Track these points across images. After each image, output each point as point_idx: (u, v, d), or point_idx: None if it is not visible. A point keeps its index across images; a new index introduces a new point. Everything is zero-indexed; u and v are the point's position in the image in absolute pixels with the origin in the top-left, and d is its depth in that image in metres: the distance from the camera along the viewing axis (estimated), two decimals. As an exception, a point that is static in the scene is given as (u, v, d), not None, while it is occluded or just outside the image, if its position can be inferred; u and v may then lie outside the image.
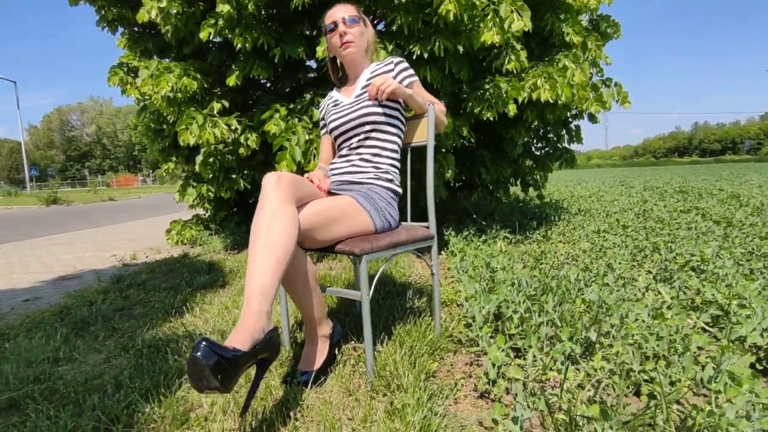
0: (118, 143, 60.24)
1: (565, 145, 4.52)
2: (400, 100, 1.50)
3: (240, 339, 0.88)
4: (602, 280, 2.04)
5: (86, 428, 1.06)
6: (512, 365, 1.24)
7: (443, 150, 3.09)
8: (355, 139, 1.49)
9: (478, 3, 2.42)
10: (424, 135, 1.57)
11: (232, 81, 3.06)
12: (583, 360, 1.30)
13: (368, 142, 1.48)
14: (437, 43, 2.53)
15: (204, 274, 2.88)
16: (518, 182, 4.23)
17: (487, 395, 1.20)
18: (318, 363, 1.30)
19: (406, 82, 1.52)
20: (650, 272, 2.28)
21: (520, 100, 2.96)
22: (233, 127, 3.16)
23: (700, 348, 1.31)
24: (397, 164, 1.53)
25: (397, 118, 1.51)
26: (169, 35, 3.23)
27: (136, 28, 4.06)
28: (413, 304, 1.87)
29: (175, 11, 3.00)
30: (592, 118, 4.30)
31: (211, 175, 3.41)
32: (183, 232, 4.26)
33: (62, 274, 4.03)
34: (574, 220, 4.31)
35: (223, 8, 2.65)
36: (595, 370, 1.20)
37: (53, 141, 59.99)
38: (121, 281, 2.88)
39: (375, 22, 3.27)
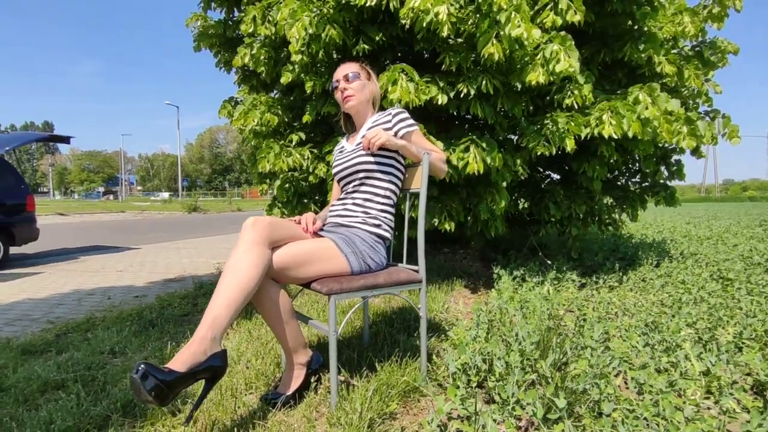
0: (253, 159, 67.91)
1: (665, 181, 4.10)
2: (395, 150, 1.59)
3: (179, 362, 1.06)
4: (635, 340, 1.85)
5: (95, 412, 1.33)
6: (463, 420, 1.24)
7: (496, 183, 3.04)
8: (351, 185, 1.62)
9: (526, 44, 2.40)
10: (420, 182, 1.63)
11: (306, 118, 3.40)
12: (545, 426, 1.23)
13: (362, 188, 1.59)
14: (484, 82, 2.55)
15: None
16: (595, 220, 3.92)
17: (432, 446, 1.21)
18: (291, 388, 1.43)
19: (402, 132, 1.61)
20: (701, 338, 2.00)
21: (582, 135, 2.81)
22: (306, 157, 3.49)
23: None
24: (390, 210, 1.61)
25: (392, 166, 1.60)
26: (263, 75, 3.72)
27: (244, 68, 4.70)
28: (414, 343, 1.90)
29: (263, 57, 3.46)
30: (696, 152, 3.85)
31: (286, 199, 3.78)
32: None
33: (174, 276, 4.75)
34: (667, 266, 3.84)
35: (296, 58, 2.99)
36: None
37: (203, 156, 69.91)
38: (201, 288, 3.34)
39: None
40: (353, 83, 1.65)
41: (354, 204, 1.59)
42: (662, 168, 4.10)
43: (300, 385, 1.44)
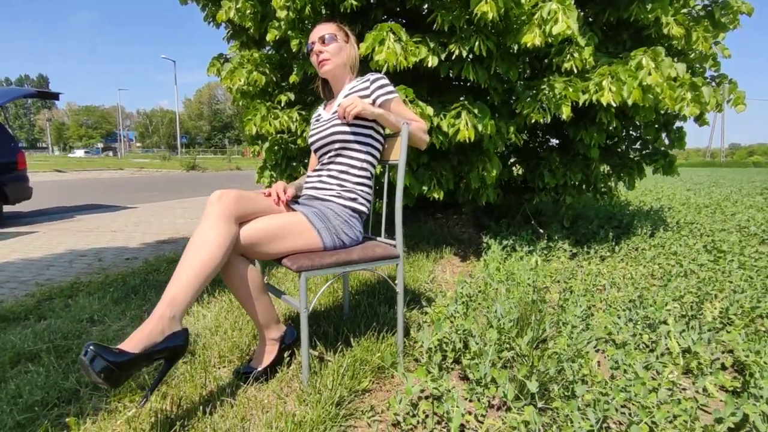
0: (252, 117, 66.87)
1: (666, 148, 3.98)
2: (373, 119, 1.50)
3: (132, 342, 1.02)
4: (614, 316, 1.83)
5: (65, 386, 1.32)
6: (431, 400, 1.22)
7: (488, 151, 2.95)
8: (326, 156, 1.54)
9: (523, 1, 2.24)
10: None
11: (293, 78, 3.26)
12: (515, 407, 1.22)
13: (338, 159, 1.52)
14: (477, 43, 2.41)
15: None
16: (590, 189, 3.84)
17: (399, 423, 1.20)
18: (264, 363, 1.41)
19: (380, 101, 1.51)
20: (685, 315, 1.98)
21: (580, 102, 2.70)
22: (294, 119, 3.38)
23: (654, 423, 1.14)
24: (367, 182, 1.54)
25: (370, 136, 1.52)
26: (251, 31, 3.55)
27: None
28: (394, 316, 1.88)
29: (248, 12, 3.27)
30: (699, 120, 3.72)
31: (275, 162, 3.69)
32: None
33: (167, 237, 4.73)
34: (662, 236, 3.80)
35: (282, 14, 2.83)
36: (518, 424, 1.13)
37: (202, 113, 68.77)
38: (190, 252, 3.31)
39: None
40: (329, 46, 1.54)
41: (329, 176, 1.52)
42: (663, 135, 3.97)
43: (272, 360, 1.42)
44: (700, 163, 38.48)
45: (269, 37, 3.13)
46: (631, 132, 4.10)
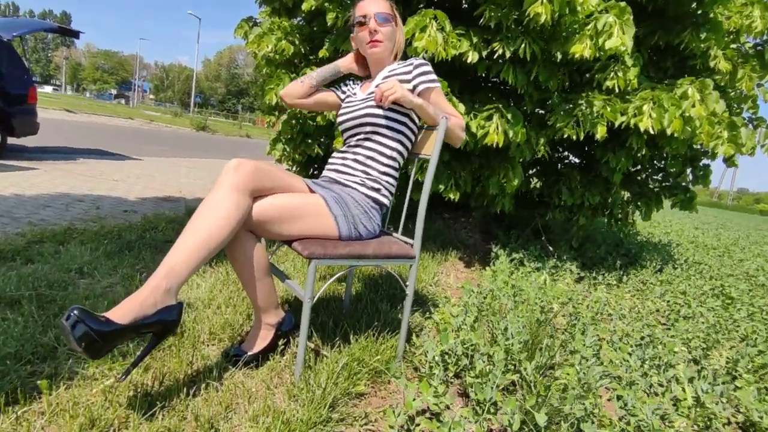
0: (270, 86, 66.31)
1: (688, 184, 3.87)
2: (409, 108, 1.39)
3: (121, 312, 0.93)
4: (625, 353, 1.74)
5: (42, 341, 1.23)
6: (431, 418, 1.14)
7: (513, 159, 2.84)
8: (355, 138, 1.44)
9: (579, 9, 2.12)
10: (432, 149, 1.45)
11: (322, 52, 3.13)
12: (519, 440, 1.14)
13: (366, 144, 1.42)
14: (523, 45, 2.29)
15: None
16: (606, 213, 3.74)
17: (393, 439, 1.12)
18: (256, 348, 1.32)
19: (421, 88, 1.41)
20: (697, 362, 1.89)
21: (616, 123, 2.59)
22: (317, 96, 3.26)
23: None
24: (393, 173, 1.44)
25: (403, 124, 1.42)
26: (286, -3, 3.41)
27: (266, -13, 4.33)
28: (396, 316, 1.79)
29: (287, -24, 3.14)
30: (728, 161, 3.61)
31: (290, 136, 3.58)
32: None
33: (167, 195, 4.64)
34: (670, 272, 3.71)
35: (322, -19, 2.70)
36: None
37: (219, 75, 68.13)
38: (190, 215, 3.22)
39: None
40: (385, 28, 1.42)
41: (355, 161, 1.41)
42: (687, 170, 3.86)
43: (266, 346, 1.33)
44: (706, 203, 38.28)
45: (305, 6, 2.99)
46: (655, 162, 3.99)
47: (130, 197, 4.12)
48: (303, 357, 1.26)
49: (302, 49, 3.38)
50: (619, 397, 1.43)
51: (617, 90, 2.61)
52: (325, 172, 1.48)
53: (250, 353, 1.31)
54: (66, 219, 2.83)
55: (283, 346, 1.38)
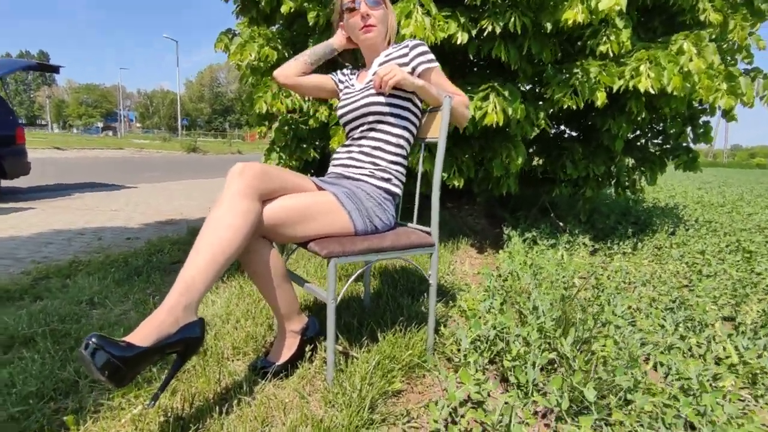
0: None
1: (689, 143, 3.81)
2: (411, 91, 1.34)
3: (141, 334, 0.88)
4: (659, 317, 1.69)
5: (62, 376, 1.18)
6: (474, 407, 1.09)
7: (517, 138, 2.79)
8: (359, 130, 1.39)
9: (566, -27, 2.07)
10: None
11: (307, 53, 3.09)
12: (570, 419, 1.09)
13: (371, 134, 1.37)
14: (513, 18, 2.24)
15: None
16: (612, 182, 3.69)
17: (439, 433, 1.07)
18: (283, 358, 1.27)
19: (420, 69, 1.36)
20: (732, 319, 1.84)
21: (615, 88, 2.54)
22: (306, 98, 3.21)
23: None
24: (402, 161, 1.39)
25: (406, 109, 1.36)
26: (263, 4, 3.36)
27: (242, -2, 4.28)
28: (419, 309, 1.74)
29: (263, -18, 3.09)
30: (727, 115, 3.55)
31: (284, 143, 3.53)
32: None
33: (168, 218, 4.59)
34: (682, 234, 3.66)
35: (299, -19, 2.64)
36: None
37: (203, 95, 68.01)
38: (194, 234, 3.17)
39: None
40: (377, 11, 1.37)
41: (361, 152, 1.36)
42: (688, 130, 3.81)
43: (293, 354, 1.28)
44: (704, 163, 38.02)
45: (284, 8, 2.95)
46: (653, 126, 3.94)
47: (131, 225, 4.07)
48: (333, 360, 1.21)
49: (286, 54, 3.33)
50: (661, 364, 1.39)
51: (612, 54, 2.56)
52: (331, 169, 1.43)
53: (278, 364, 1.26)
54: (69, 253, 2.78)
55: (310, 353, 1.33)
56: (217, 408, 1.07)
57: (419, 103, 1.42)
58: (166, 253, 2.60)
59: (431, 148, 1.75)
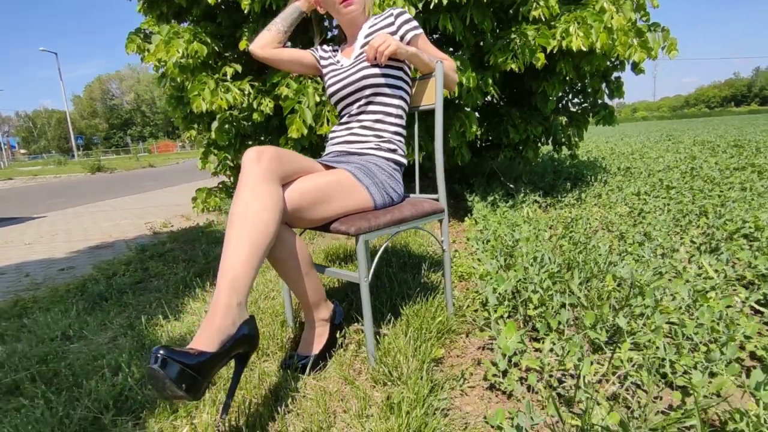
0: (156, 110, 61.55)
1: (605, 100, 4.15)
2: (404, 60, 1.33)
3: (206, 339, 0.80)
4: (637, 251, 1.85)
5: (76, 417, 1.04)
6: (527, 353, 1.13)
7: (466, 108, 2.88)
8: (356, 105, 1.35)
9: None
10: (433, 98, 1.40)
11: (243, 45, 2.93)
12: (609, 348, 1.16)
13: (370, 108, 1.33)
14: (457, -10, 2.29)
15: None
16: (549, 141, 3.94)
17: (497, 387, 1.09)
18: (317, 348, 1.22)
19: (409, 36, 1.34)
20: (694, 242, 2.07)
21: (549, 49, 2.69)
22: (246, 92, 3.05)
23: (747, 337, 1.14)
24: (402, 131, 1.38)
25: (400, 78, 1.35)
26: (177, -1, 3.11)
27: (149, -9, 3.93)
28: (427, 280, 1.76)
29: (179, -30, 2.86)
30: (636, 68, 3.90)
31: (227, 142, 3.34)
32: (208, 200, 4.28)
33: (98, 242, 4.17)
34: (612, 181, 4.02)
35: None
36: (622, 362, 1.07)
37: (96, 110, 61.99)
38: (145, 252, 2.91)
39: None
40: None
41: (362, 127, 1.33)
42: (603, 86, 4.14)
43: (326, 343, 1.23)
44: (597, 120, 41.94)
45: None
46: (574, 86, 4.24)
47: (57, 255, 3.64)
48: (373, 339, 1.18)
49: (216, 48, 3.13)
50: (657, 288, 1.52)
51: (543, 19, 2.71)
52: (330, 148, 1.38)
53: (314, 354, 1.20)
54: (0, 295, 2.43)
55: (342, 338, 1.29)
56: (273, 411, 1.01)
57: (410, 72, 1.40)
58: (124, 275, 2.36)
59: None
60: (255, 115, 3.12)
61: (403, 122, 1.37)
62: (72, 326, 1.63)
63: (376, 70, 1.29)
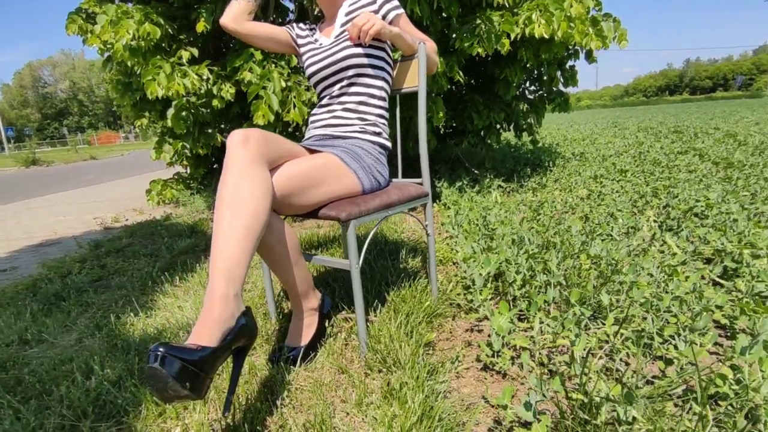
0: (95, 99, 57.70)
1: (560, 87, 4.28)
2: (387, 41, 1.29)
3: (206, 333, 0.75)
4: (605, 231, 1.93)
5: (50, 426, 0.95)
6: (517, 333, 1.15)
7: (432, 94, 2.88)
8: (337, 87, 1.30)
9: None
10: (415, 80, 1.38)
11: (201, 26, 2.78)
12: (593, 324, 1.20)
13: (353, 89, 1.29)
14: (425, -26, 2.26)
15: (185, 237, 2.74)
16: (511, 127, 4.03)
17: (490, 367, 1.11)
18: (306, 338, 1.19)
19: (391, 16, 1.31)
20: (655, 220, 2.18)
21: (512, 35, 2.73)
22: (205, 77, 2.90)
23: (718, 307, 1.22)
24: (386, 114, 1.35)
25: (382, 59, 1.31)
26: (125, -25, 2.90)
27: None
28: (408, 265, 1.75)
29: (127, -56, 2.66)
30: (590, 57, 4.04)
31: (185, 131, 3.17)
32: (164, 192, 4.07)
33: (42, 240, 3.87)
34: (569, 166, 4.17)
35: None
36: (608, 336, 1.11)
37: (27, 99, 57.33)
38: (100, 248, 2.73)
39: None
40: None
41: (345, 110, 1.29)
42: (558, 74, 4.27)
43: (316, 332, 1.20)
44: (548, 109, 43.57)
45: (164, -24, 2.58)
46: (531, 74, 4.35)
47: (-4, 256, 3.35)
48: (365, 327, 1.16)
49: (170, 30, 2.95)
50: (630, 264, 1.59)
51: (507, 6, 2.75)
52: (312, 132, 1.33)
53: (304, 345, 1.17)
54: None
55: (330, 327, 1.26)
56: (269, 405, 0.97)
57: (392, 53, 1.37)
58: (80, 273, 2.20)
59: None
60: (215, 102, 2.98)
61: (386, 105, 1.35)
62: (29, 329, 1.49)
63: (359, 50, 1.25)
